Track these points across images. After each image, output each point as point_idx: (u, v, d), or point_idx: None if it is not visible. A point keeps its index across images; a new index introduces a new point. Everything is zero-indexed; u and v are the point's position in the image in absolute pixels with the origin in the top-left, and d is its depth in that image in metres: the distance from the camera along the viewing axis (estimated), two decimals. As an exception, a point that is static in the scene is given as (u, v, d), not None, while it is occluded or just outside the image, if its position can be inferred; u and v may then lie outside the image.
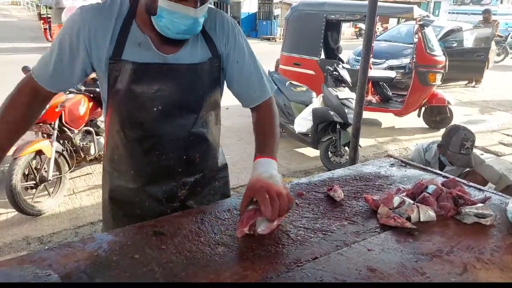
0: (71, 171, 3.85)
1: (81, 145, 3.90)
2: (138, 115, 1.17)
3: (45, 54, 1.16)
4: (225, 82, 1.30)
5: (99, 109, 4.03)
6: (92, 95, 3.93)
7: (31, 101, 1.15)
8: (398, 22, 12.53)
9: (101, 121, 4.11)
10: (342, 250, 0.99)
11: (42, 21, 15.70)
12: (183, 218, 1.12)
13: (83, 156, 3.93)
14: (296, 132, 4.72)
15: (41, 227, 3.22)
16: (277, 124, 1.29)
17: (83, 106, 3.84)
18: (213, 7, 1.23)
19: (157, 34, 1.12)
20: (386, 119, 6.59)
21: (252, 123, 1.31)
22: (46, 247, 0.93)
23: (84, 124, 3.91)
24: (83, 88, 3.87)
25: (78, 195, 3.77)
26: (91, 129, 3.99)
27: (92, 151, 3.97)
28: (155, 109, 1.16)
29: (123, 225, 1.16)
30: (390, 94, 6.54)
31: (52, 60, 1.13)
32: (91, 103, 3.94)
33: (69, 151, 3.81)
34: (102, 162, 1.35)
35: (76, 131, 3.82)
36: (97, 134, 4.05)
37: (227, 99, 1.34)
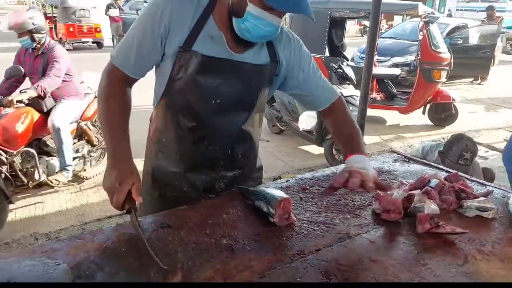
0: (11, 200, 3.14)
1: (23, 169, 3.33)
2: (196, 105, 1.21)
3: (124, 40, 1.18)
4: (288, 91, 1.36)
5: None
6: (40, 109, 3.39)
7: (122, 89, 1.19)
8: (403, 20, 12.47)
9: (51, 139, 3.49)
10: (345, 242, 1.01)
11: (48, 21, 15.81)
12: (190, 211, 1.14)
13: (26, 181, 3.35)
14: (301, 130, 4.74)
15: (49, 223, 3.27)
16: (355, 121, 1.35)
17: (23, 123, 3.23)
18: (311, 16, 1.27)
19: (231, 33, 1.15)
20: (391, 116, 6.57)
21: (328, 126, 1.38)
22: (56, 239, 0.96)
23: (26, 144, 3.31)
24: (26, 100, 3.27)
25: (85, 192, 3.81)
26: (32, 150, 3.33)
27: (36, 176, 3.39)
28: (213, 101, 1.20)
29: (159, 204, 1.25)
30: (395, 91, 6.53)
31: (134, 46, 1.15)
32: (36, 118, 3.36)
33: (4, 177, 3.15)
34: (147, 139, 1.39)
35: (14, 152, 3.23)
36: (46, 154, 3.51)
37: None
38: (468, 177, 1.42)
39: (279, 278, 0.86)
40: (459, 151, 2.70)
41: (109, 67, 1.19)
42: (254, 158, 1.41)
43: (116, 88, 1.18)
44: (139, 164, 1.17)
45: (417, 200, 1.13)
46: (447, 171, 1.46)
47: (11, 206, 3.43)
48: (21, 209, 3.40)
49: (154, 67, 1.22)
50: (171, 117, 1.24)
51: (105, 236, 1.01)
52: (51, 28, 15.32)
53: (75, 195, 3.76)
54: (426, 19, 5.61)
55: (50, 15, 15.52)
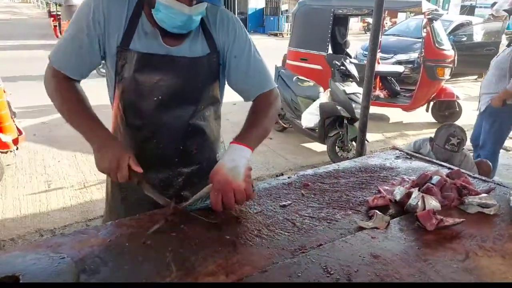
0: None
1: None
2: (139, 103, 1.22)
3: (62, 43, 1.17)
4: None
5: None
6: None
7: (73, 83, 1.19)
8: (407, 17, 12.41)
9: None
10: (346, 237, 1.01)
11: (52, 19, 15.87)
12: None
13: None
14: (303, 127, 4.74)
15: (53, 219, 3.29)
16: (270, 116, 1.25)
17: None
18: (218, 5, 1.26)
19: (159, 26, 1.15)
20: (394, 114, 6.55)
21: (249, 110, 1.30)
22: (62, 234, 0.97)
23: None
24: None
25: (89, 189, 3.84)
26: None
27: None
28: (155, 98, 1.20)
29: (121, 208, 1.26)
30: (398, 89, 6.51)
31: (72, 48, 1.15)
32: None
33: None
34: None
35: None
36: None
37: (235, 95, 1.37)
38: (470, 173, 1.42)
39: (280, 273, 0.87)
40: (446, 135, 2.71)
41: (51, 71, 1.18)
42: (212, 153, 1.39)
43: (65, 84, 1.16)
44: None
45: (413, 198, 1.13)
46: (449, 168, 1.46)
47: (16, 203, 3.48)
48: (26, 206, 3.44)
49: (96, 69, 1.23)
50: (120, 118, 1.26)
51: (109, 231, 1.02)
52: (55, 26, 15.39)
53: (79, 191, 3.79)
54: (429, 16, 5.58)
55: (54, 13, 15.59)
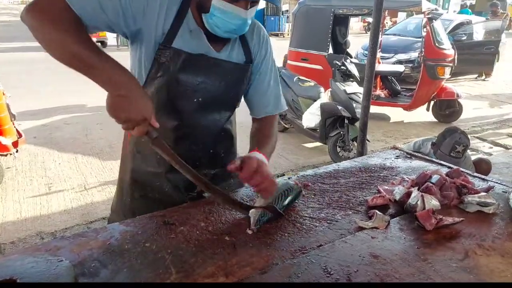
0: None
1: None
2: (179, 103, 1.19)
3: None
4: None
5: None
6: None
7: (76, 23, 0.98)
8: (407, 16, 12.39)
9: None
10: (346, 238, 1.01)
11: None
12: (192, 208, 1.15)
13: None
14: (304, 127, 4.74)
15: (54, 222, 3.30)
16: (276, 138, 1.32)
17: None
18: (278, 5, 1.26)
19: (204, 30, 1.14)
20: (395, 113, 6.55)
21: (252, 130, 1.33)
22: (61, 237, 0.96)
23: None
24: None
25: (90, 191, 3.84)
26: None
27: None
28: (195, 100, 1.19)
29: (140, 206, 1.22)
30: (399, 88, 6.50)
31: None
32: None
33: None
34: (123, 139, 1.36)
35: None
36: None
37: None
38: (470, 172, 1.42)
39: (280, 274, 0.87)
40: (452, 143, 2.70)
41: (58, 3, 0.96)
42: (234, 156, 1.41)
43: (72, 25, 0.96)
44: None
45: (413, 197, 1.13)
46: (449, 167, 1.46)
47: (17, 206, 3.48)
48: (27, 209, 3.44)
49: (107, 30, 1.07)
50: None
51: (108, 233, 1.02)
52: (55, 29, 15.39)
53: (80, 194, 3.79)
54: (429, 16, 5.58)
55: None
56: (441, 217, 1.06)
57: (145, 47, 1.12)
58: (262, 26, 1.33)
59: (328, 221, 1.09)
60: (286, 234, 1.03)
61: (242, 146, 1.39)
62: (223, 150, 1.33)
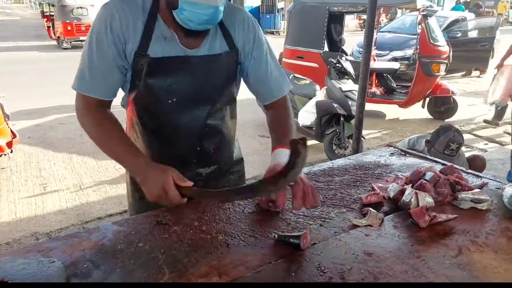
0: None
1: None
2: (154, 107, 1.20)
3: (82, 65, 1.13)
4: (241, 78, 1.33)
5: None
6: None
7: (103, 110, 1.15)
8: (402, 13, 12.42)
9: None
10: (340, 236, 1.01)
11: (45, 19, 15.79)
12: (186, 208, 1.14)
13: None
14: (300, 125, 4.74)
15: (49, 223, 3.28)
16: (293, 120, 1.32)
17: None
18: (233, 4, 1.26)
19: (180, 28, 1.13)
20: (390, 110, 6.57)
21: (268, 120, 1.33)
22: (52, 238, 0.97)
23: None
24: None
25: (85, 191, 3.83)
26: None
27: None
28: (169, 101, 1.18)
29: (142, 207, 1.23)
30: (394, 85, 6.52)
31: (95, 67, 1.11)
32: None
33: None
34: None
35: None
36: None
37: (243, 94, 1.37)
38: (464, 169, 1.42)
39: (274, 273, 0.87)
40: (446, 141, 2.71)
41: (80, 98, 1.14)
42: (229, 152, 1.39)
43: (96, 112, 1.14)
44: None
45: (407, 194, 1.13)
46: (443, 164, 1.46)
47: (12, 206, 3.45)
48: (22, 209, 3.42)
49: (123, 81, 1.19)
50: (137, 122, 1.25)
51: (101, 233, 1.01)
52: (49, 27, 15.30)
53: (75, 194, 3.77)
54: (424, 13, 5.59)
55: (48, 13, 15.50)
56: (435, 214, 1.06)
57: (128, 61, 1.14)
58: (246, 11, 1.30)
59: (322, 219, 1.09)
60: (280, 233, 1.02)
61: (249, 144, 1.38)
62: (213, 146, 1.31)
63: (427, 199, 1.14)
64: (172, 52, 1.14)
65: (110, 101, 1.18)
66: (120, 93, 1.25)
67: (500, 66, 5.44)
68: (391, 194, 1.19)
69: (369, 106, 6.41)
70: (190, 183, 1.03)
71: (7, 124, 4.04)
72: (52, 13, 15.00)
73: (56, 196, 3.72)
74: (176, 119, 1.22)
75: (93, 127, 1.14)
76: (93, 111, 1.14)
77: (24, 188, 3.85)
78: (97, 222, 3.28)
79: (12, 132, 4.07)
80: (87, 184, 3.96)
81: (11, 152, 3.93)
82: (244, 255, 0.93)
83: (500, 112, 5.72)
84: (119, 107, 1.36)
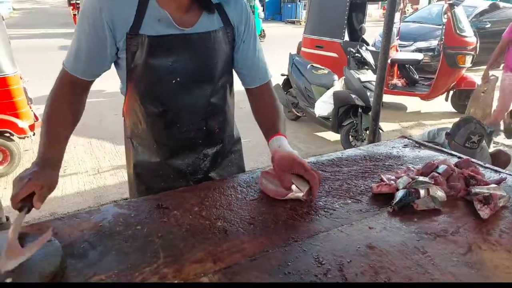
0: None
1: None
2: (157, 89, 1.18)
3: (72, 44, 1.13)
4: None
5: None
6: None
7: (70, 94, 1.13)
8: (430, 2, 11.98)
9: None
10: (342, 227, 0.97)
11: (71, 7, 16.09)
12: (187, 193, 1.14)
13: None
14: (317, 116, 4.66)
15: (67, 204, 3.37)
16: (281, 106, 1.32)
17: None
18: None
19: (177, 8, 1.11)
20: (412, 103, 6.38)
21: (253, 106, 1.32)
22: (54, 217, 0.98)
23: None
24: None
25: (103, 175, 3.91)
26: None
27: None
28: (173, 81, 1.17)
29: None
30: (417, 77, 6.32)
31: (81, 48, 1.10)
32: None
33: None
34: (124, 135, 1.39)
35: None
36: None
37: None
38: (481, 163, 1.35)
39: (270, 261, 0.84)
40: (467, 134, 2.60)
41: (62, 72, 1.14)
42: (230, 130, 1.40)
43: (63, 92, 1.12)
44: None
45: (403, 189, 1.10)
46: (459, 157, 1.40)
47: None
48: (41, 190, 3.52)
49: (110, 66, 1.17)
50: (139, 107, 1.22)
51: (101, 215, 1.02)
52: (75, 15, 15.60)
53: (93, 177, 3.86)
54: (450, 2, 5.37)
55: (74, 2, 15.78)
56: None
57: (119, 43, 1.11)
58: None
59: (325, 210, 1.05)
60: (280, 222, 0.99)
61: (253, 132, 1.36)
62: (217, 125, 1.31)
63: (438, 193, 1.09)
64: (166, 32, 1.11)
65: (90, 82, 1.16)
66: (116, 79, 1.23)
67: (486, 78, 4.85)
68: (401, 187, 1.14)
69: (390, 98, 6.27)
70: (39, 207, 0.93)
71: (30, 108, 4.14)
72: (78, 1, 15.25)
73: (75, 178, 3.82)
74: (180, 100, 1.20)
75: (49, 103, 1.11)
76: (62, 86, 1.12)
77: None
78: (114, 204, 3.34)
79: (35, 115, 4.17)
80: (105, 168, 4.04)
81: (34, 135, 4.03)
82: (241, 242, 0.91)
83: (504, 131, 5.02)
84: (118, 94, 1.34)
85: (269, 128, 1.24)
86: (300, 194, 1.08)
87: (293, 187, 1.09)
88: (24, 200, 0.91)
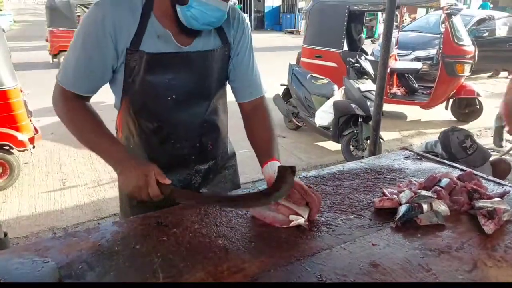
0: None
1: None
2: (153, 105, 1.18)
3: (67, 58, 1.11)
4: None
5: None
6: None
7: (82, 102, 1.14)
8: (427, 12, 12.07)
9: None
10: (345, 244, 0.96)
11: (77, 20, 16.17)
12: (187, 210, 1.12)
13: None
14: (317, 126, 4.66)
15: (66, 218, 3.34)
16: (273, 124, 1.30)
17: None
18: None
19: (176, 25, 1.11)
20: (412, 112, 6.39)
21: (246, 125, 1.30)
22: (52, 236, 0.97)
23: None
24: None
25: (102, 187, 3.88)
26: None
27: None
28: (169, 98, 1.17)
29: (139, 213, 1.18)
30: (416, 86, 6.33)
31: (80, 62, 1.09)
32: None
33: None
34: None
35: None
36: None
37: None
38: (484, 175, 1.34)
39: (272, 281, 0.82)
40: (459, 145, 2.61)
41: (59, 91, 1.13)
42: (224, 146, 1.39)
43: (74, 104, 1.12)
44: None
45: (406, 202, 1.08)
46: (461, 170, 1.38)
47: (32, 201, 3.54)
48: (41, 204, 3.50)
49: (108, 80, 1.17)
50: (132, 122, 1.22)
51: (100, 234, 1.00)
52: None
53: (93, 190, 3.84)
54: (448, 11, 5.40)
55: (80, 15, 15.88)
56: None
57: (119, 59, 1.12)
58: (237, 8, 1.29)
59: (328, 226, 1.04)
60: (281, 239, 0.98)
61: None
62: (210, 142, 1.30)
63: (441, 208, 1.08)
64: (166, 49, 1.12)
65: (89, 97, 1.16)
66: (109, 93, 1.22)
67: None
68: (403, 201, 1.12)
69: (390, 107, 6.28)
70: (169, 181, 1.02)
71: (30, 120, 4.14)
72: (79, 15, 15.35)
73: (74, 191, 3.79)
74: (175, 116, 1.20)
75: (69, 115, 1.12)
76: (70, 101, 1.12)
77: (44, 183, 3.94)
78: (113, 218, 3.32)
79: (34, 128, 4.17)
80: (105, 180, 4.02)
81: (33, 147, 4.02)
82: (242, 262, 0.89)
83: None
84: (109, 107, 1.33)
85: (263, 153, 1.20)
86: (302, 220, 1.03)
87: (291, 216, 1.04)
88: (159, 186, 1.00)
